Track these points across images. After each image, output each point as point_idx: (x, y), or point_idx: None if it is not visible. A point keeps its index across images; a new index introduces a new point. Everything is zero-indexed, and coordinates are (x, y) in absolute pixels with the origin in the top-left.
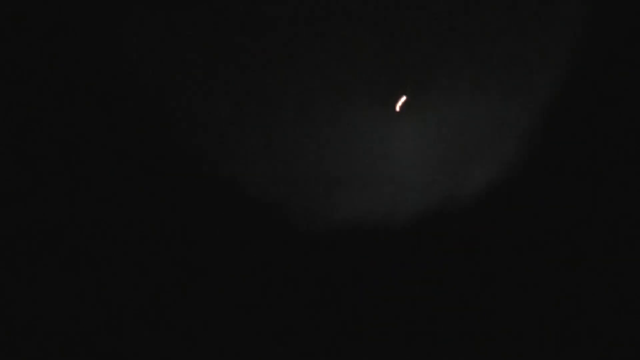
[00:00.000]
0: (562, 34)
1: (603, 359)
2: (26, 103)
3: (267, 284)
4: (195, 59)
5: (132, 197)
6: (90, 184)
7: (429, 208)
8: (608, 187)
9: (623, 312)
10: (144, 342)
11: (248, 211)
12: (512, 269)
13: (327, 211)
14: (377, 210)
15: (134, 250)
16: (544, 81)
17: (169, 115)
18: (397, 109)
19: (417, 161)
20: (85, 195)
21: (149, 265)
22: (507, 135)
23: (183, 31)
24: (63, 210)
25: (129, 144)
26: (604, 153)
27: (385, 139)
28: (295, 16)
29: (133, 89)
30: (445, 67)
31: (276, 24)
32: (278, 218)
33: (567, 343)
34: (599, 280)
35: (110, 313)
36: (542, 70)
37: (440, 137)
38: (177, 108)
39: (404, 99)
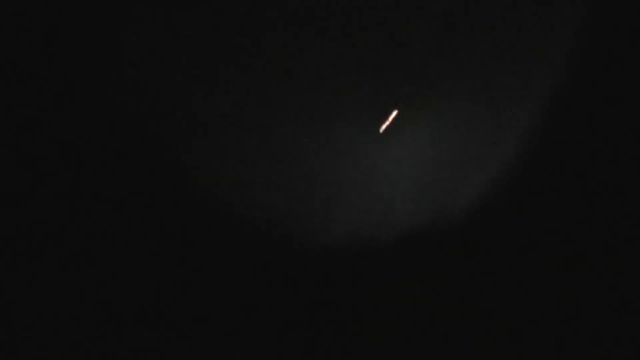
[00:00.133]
0: (562, 34)
1: (603, 359)
2: (26, 103)
3: (268, 284)
4: (195, 59)
5: (131, 197)
6: (90, 184)
7: (429, 208)
8: (608, 187)
9: (623, 312)
10: (141, 343)
11: (248, 211)
12: (512, 269)
13: (327, 212)
14: (376, 210)
15: (132, 251)
16: (544, 81)
17: (169, 115)
18: (390, 121)
19: (417, 161)
20: (85, 195)
21: (147, 266)
22: (507, 135)
23: (183, 31)
24: (63, 210)
25: (129, 144)
26: (604, 153)
27: (385, 139)
28: (295, 16)
29: (133, 89)
30: (445, 68)
31: (276, 24)
32: (276, 220)
33: (567, 343)
34: (599, 280)
35: (109, 313)
36: (542, 70)
37: (440, 138)
38: (177, 108)
39: (395, 112)
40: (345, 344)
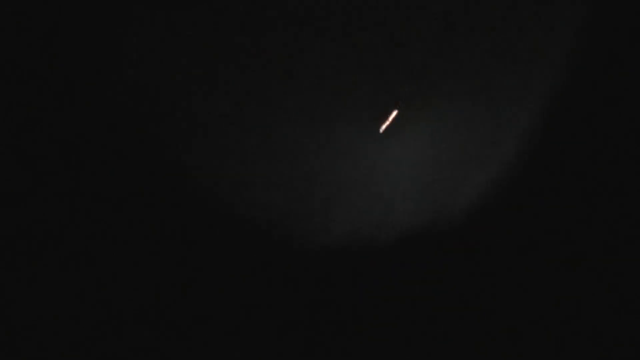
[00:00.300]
0: (562, 34)
1: (603, 359)
2: (26, 103)
3: (268, 284)
4: (195, 59)
5: (131, 197)
6: (90, 184)
7: (429, 208)
8: (608, 187)
9: (623, 312)
10: (140, 343)
11: (248, 211)
12: (512, 269)
13: (327, 212)
14: (376, 210)
15: (132, 251)
16: (544, 81)
17: (169, 115)
18: (390, 121)
19: (417, 161)
20: (85, 195)
21: (147, 266)
22: (507, 135)
23: (183, 31)
24: (63, 210)
25: (129, 144)
26: (604, 153)
27: (385, 139)
28: (295, 16)
29: (133, 88)
30: (445, 68)
31: (276, 24)
32: (276, 220)
33: (567, 343)
34: (599, 280)
35: (109, 313)
36: (542, 70)
37: (440, 138)
38: (177, 108)
39: (395, 112)
40: (345, 344)
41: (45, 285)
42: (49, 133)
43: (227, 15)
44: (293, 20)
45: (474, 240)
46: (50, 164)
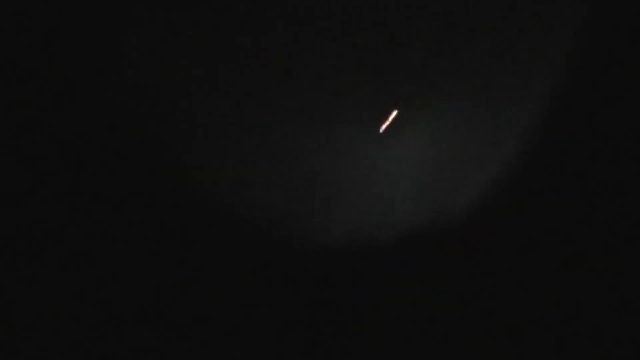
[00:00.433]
0: (562, 34)
1: (603, 359)
2: (26, 103)
3: (268, 284)
4: (195, 59)
5: (131, 197)
6: (90, 184)
7: (429, 208)
8: (608, 187)
9: (623, 312)
10: (139, 343)
11: (248, 211)
12: (512, 269)
13: (326, 212)
14: (376, 210)
15: (132, 251)
16: (544, 81)
17: (169, 115)
18: (390, 121)
19: (417, 161)
20: (85, 195)
21: (147, 266)
22: (507, 135)
23: (183, 31)
24: (63, 210)
25: (129, 144)
26: (604, 153)
27: (385, 139)
28: (295, 16)
29: (133, 88)
30: (445, 68)
31: (276, 24)
32: (276, 220)
33: (567, 343)
34: (599, 280)
35: (109, 313)
36: (542, 70)
37: (440, 138)
38: (177, 108)
39: (395, 112)
40: (345, 344)
41: (45, 285)
42: (49, 133)
43: (227, 15)
44: (293, 20)
45: (474, 240)
46: (50, 164)
